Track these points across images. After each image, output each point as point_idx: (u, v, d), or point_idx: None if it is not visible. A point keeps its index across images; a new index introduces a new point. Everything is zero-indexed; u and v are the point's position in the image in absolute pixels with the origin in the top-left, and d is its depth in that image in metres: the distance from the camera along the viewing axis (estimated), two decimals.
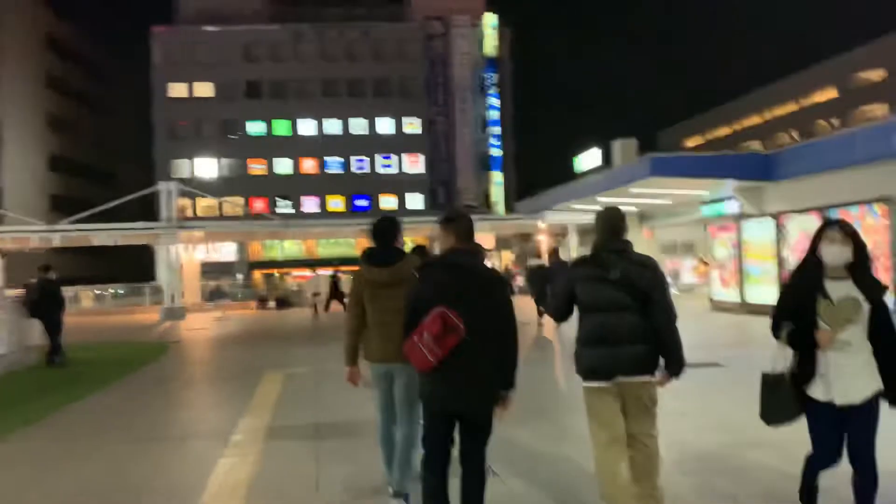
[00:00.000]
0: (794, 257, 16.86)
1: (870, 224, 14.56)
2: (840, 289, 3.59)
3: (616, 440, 3.95)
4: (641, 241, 28.99)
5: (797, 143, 23.26)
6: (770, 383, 3.79)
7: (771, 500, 4.67)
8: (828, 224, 3.73)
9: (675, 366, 4.00)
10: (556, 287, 4.62)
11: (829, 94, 56.41)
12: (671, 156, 25.08)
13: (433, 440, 3.87)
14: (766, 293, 17.85)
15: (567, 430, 6.66)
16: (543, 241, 32.73)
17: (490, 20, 57.41)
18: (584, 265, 4.10)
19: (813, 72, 56.21)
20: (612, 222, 4.11)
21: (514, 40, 60.36)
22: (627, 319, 3.91)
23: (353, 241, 44.31)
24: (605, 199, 23.67)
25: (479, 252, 4.12)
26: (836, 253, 3.60)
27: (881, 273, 14.14)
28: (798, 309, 3.63)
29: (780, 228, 17.36)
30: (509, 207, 50.32)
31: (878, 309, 3.58)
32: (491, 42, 56.96)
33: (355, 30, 57.61)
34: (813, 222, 16.14)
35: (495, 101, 57.49)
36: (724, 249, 19.97)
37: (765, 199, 20.94)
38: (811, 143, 20.19)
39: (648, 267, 4.00)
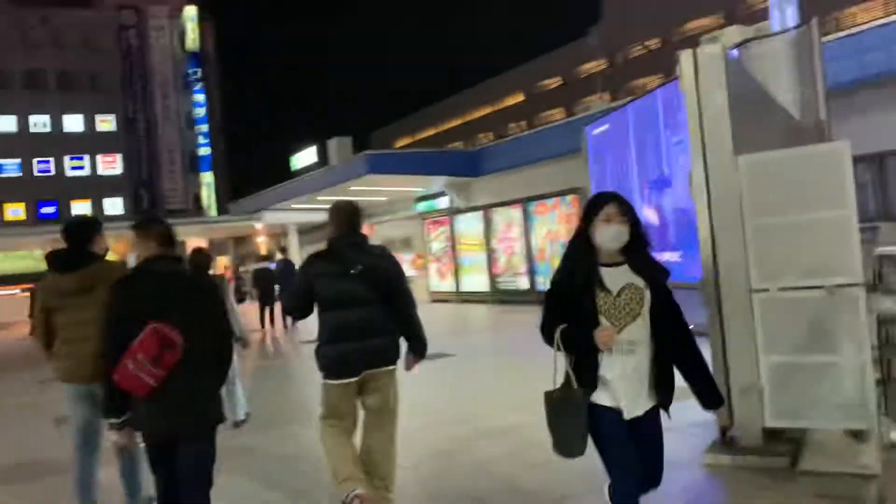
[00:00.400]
0: (501, 246, 18.09)
1: (563, 212, 16.06)
2: (618, 276, 2.98)
3: (350, 432, 3.98)
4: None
5: (497, 141, 25.08)
6: (557, 404, 2.99)
7: (515, 494, 4.54)
8: (601, 199, 3.05)
9: (421, 348, 4.11)
10: (293, 285, 4.17)
11: (518, 98, 62.37)
12: (386, 153, 25.58)
13: (161, 473, 3.26)
14: (478, 282, 18.97)
15: (307, 436, 6.23)
16: (263, 243, 31.60)
17: (190, 12, 54.15)
18: (322, 260, 3.97)
19: (504, 78, 61.76)
20: (347, 216, 4.03)
21: (219, 34, 57.69)
22: (370, 313, 3.88)
23: (41, 253, 38.81)
24: (325, 198, 23.40)
25: (181, 257, 3.68)
26: (613, 234, 2.96)
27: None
28: (570, 305, 2.97)
29: (487, 220, 18.50)
30: (222, 209, 47.97)
31: (661, 295, 2.99)
32: (192, 35, 53.71)
33: (33, 16, 50.66)
34: (516, 214, 17.45)
35: (201, 98, 54.34)
36: (439, 243, 20.81)
37: (473, 193, 22.24)
38: (510, 141, 21.89)
39: (386, 258, 4.01)
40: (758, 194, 4.52)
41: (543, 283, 16.83)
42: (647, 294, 2.96)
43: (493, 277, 18.45)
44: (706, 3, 43.86)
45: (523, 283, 17.46)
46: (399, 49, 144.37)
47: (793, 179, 4.40)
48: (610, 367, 2.96)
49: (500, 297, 18.12)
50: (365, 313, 3.87)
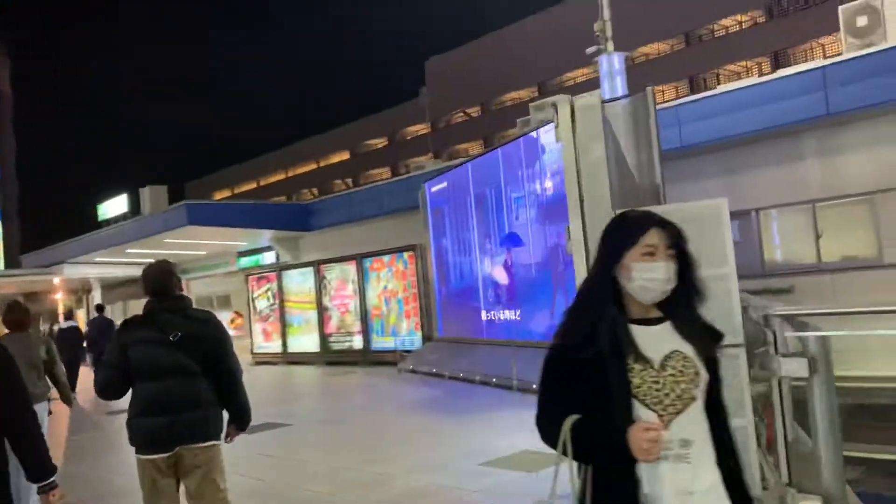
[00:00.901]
0: (333, 304, 17.35)
1: (400, 269, 15.70)
2: (658, 339, 1.97)
3: None
4: None
5: (329, 196, 24.50)
6: None
7: None
8: (639, 221, 2.03)
9: (243, 420, 3.89)
10: (107, 354, 3.77)
11: (343, 156, 62.46)
12: (209, 203, 24.16)
13: None
14: (308, 342, 18.03)
15: None
16: (60, 300, 28.39)
17: None
18: (138, 327, 3.71)
19: (330, 136, 61.66)
20: (160, 278, 3.79)
21: (18, 72, 52.68)
22: (190, 383, 3.64)
23: None
24: (137, 251, 21.49)
25: None
26: (660, 274, 1.96)
27: (413, 316, 15.31)
28: (585, 382, 1.92)
29: (319, 277, 17.72)
30: (12, 262, 42.87)
31: (717, 371, 2.01)
32: None
33: None
34: (350, 270, 16.85)
35: None
36: (264, 300, 19.64)
37: (302, 248, 21.37)
38: (343, 195, 21.39)
39: (210, 323, 3.79)
40: None
41: (377, 342, 16.26)
42: (702, 368, 1.95)
43: (324, 337, 17.59)
44: (520, 77, 46.61)
45: (357, 343, 16.76)
46: (222, 99, 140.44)
47: None
48: (656, 482, 1.87)
49: (331, 357, 17.26)
50: (181, 384, 3.62)
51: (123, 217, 24.61)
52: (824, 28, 33.55)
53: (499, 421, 8.51)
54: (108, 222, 25.36)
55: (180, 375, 3.63)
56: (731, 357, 4.05)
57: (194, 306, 3.91)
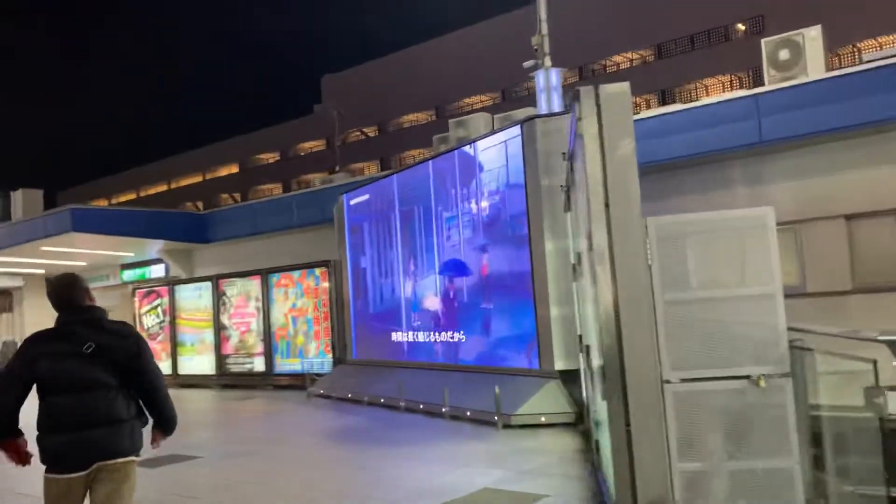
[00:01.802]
0: (233, 322, 16.07)
1: (311, 286, 14.71)
2: None
3: None
4: (46, 308, 24.70)
5: (229, 206, 23.02)
6: None
7: None
8: None
9: (167, 423, 3.76)
10: (7, 365, 3.57)
11: (232, 169, 60.12)
12: (96, 209, 22.15)
13: None
14: (202, 363, 16.62)
15: None
16: None
17: None
18: (49, 340, 3.57)
19: (218, 147, 59.24)
20: (68, 290, 3.65)
21: None
22: (104, 396, 3.51)
23: None
24: (8, 259, 19.36)
25: None
26: None
27: (323, 337, 14.33)
28: None
29: (218, 293, 16.38)
30: None
31: None
32: None
33: None
34: (254, 286, 15.68)
35: None
36: (153, 317, 18.02)
37: (196, 261, 19.88)
38: (244, 206, 20.04)
39: (128, 336, 3.64)
40: (669, 264, 3.79)
41: (282, 364, 15.13)
42: None
43: (221, 358, 16.24)
44: (418, 100, 46.58)
45: (258, 365, 15.54)
46: (100, 103, 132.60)
47: (710, 249, 3.76)
48: None
49: (228, 380, 15.94)
50: (95, 398, 3.50)
51: None
52: (709, 69, 35.57)
53: (439, 452, 7.79)
54: None
55: (95, 389, 3.50)
56: (777, 389, 3.58)
57: (109, 318, 3.74)
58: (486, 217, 10.19)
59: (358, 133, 53.01)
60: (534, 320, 9.15)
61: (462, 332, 10.60)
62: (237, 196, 56.37)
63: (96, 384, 3.50)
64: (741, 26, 34.85)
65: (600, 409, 5.00)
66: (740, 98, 11.24)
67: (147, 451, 3.77)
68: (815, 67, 12.27)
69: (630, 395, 3.77)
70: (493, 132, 10.24)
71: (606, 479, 4.65)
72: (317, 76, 53.83)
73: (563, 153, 5.70)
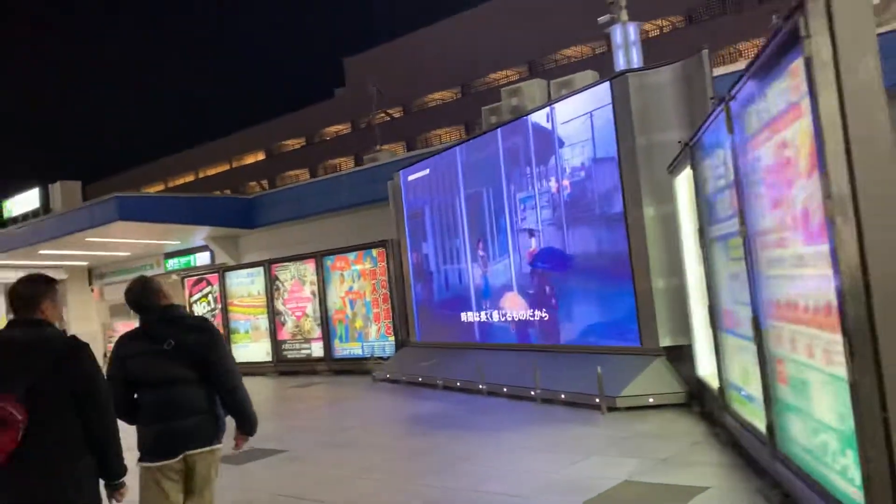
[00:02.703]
0: (287, 308, 15.57)
1: (368, 268, 14.12)
2: None
3: None
4: (90, 302, 24.48)
5: (275, 189, 22.47)
6: None
7: None
8: None
9: (248, 425, 3.93)
10: (108, 370, 3.73)
11: (258, 157, 59.81)
12: (142, 196, 21.73)
13: None
14: (257, 350, 16.15)
15: None
16: None
17: None
18: (133, 339, 3.85)
19: (243, 136, 58.95)
20: (137, 297, 3.88)
21: None
22: (185, 391, 3.74)
23: None
24: (50, 252, 18.99)
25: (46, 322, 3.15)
26: None
27: (384, 319, 13.77)
28: None
29: (271, 278, 15.87)
30: None
31: None
32: None
33: None
34: (309, 270, 15.14)
35: None
36: (204, 305, 17.57)
37: (242, 247, 19.40)
38: (295, 188, 19.41)
39: (204, 330, 3.87)
40: None
41: (341, 349, 14.60)
42: None
43: (277, 344, 15.75)
44: (442, 78, 45.84)
45: (317, 350, 15.03)
46: (124, 98, 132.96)
47: None
48: None
49: (286, 367, 15.46)
50: (177, 392, 3.75)
51: (34, 214, 21.73)
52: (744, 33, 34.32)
53: (547, 439, 7.16)
54: (14, 220, 22.39)
55: (177, 383, 3.74)
56: None
57: (188, 314, 4.07)
58: (571, 185, 9.48)
59: (383, 115, 52.27)
60: (632, 294, 8.46)
61: (546, 310, 9.93)
62: (265, 183, 56.05)
63: (178, 379, 3.74)
64: None
65: (780, 387, 4.33)
66: None
67: (227, 450, 3.89)
68: None
69: (886, 375, 3.09)
70: (575, 91, 9.46)
71: (805, 469, 3.98)
72: (334, 60, 52.98)
73: (712, 97, 4.97)
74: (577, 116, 9.26)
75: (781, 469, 4.41)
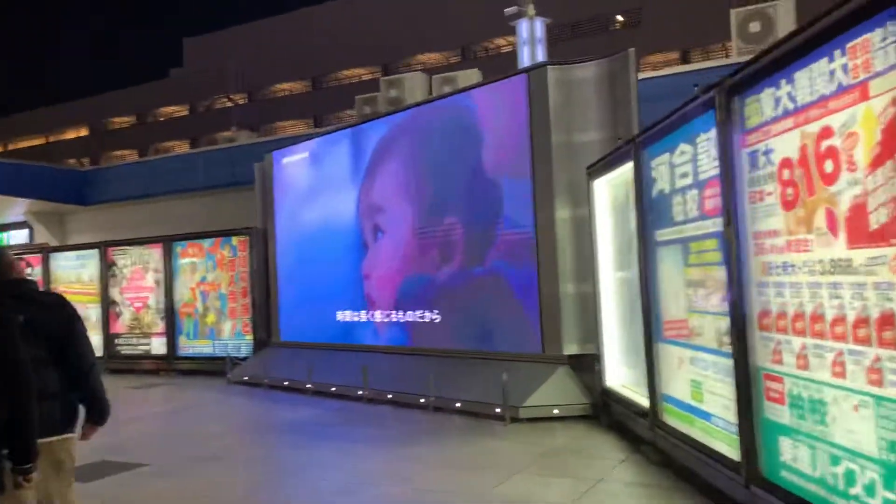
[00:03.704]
0: (125, 297, 13.78)
1: (226, 257, 12.75)
2: None
3: None
4: None
5: (117, 163, 20.08)
6: None
7: None
8: None
9: (99, 414, 3.65)
10: None
11: (81, 132, 55.02)
12: None
13: None
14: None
15: None
16: None
17: None
18: None
19: (63, 108, 53.85)
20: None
21: None
22: (35, 370, 3.22)
23: None
24: None
25: None
26: None
27: (241, 315, 12.47)
28: None
29: (107, 263, 13.98)
30: None
31: None
32: None
33: None
34: (154, 256, 13.48)
35: None
36: None
37: (69, 226, 17.12)
38: (139, 164, 17.42)
39: (58, 307, 3.61)
40: None
41: (187, 347, 13.09)
42: None
43: (109, 338, 13.88)
44: (291, 70, 44.38)
45: (158, 347, 13.37)
46: None
47: None
48: None
49: (119, 364, 13.63)
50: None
51: None
52: None
53: (460, 454, 6.47)
54: None
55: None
56: None
57: (41, 289, 3.91)
58: (475, 180, 8.89)
59: (225, 99, 49.62)
60: (537, 299, 8.00)
61: (440, 311, 9.26)
62: (85, 161, 51.29)
63: (30, 359, 3.32)
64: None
65: (771, 407, 3.93)
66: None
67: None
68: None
69: None
70: (489, 82, 8.88)
71: (809, 499, 3.57)
72: (171, 39, 49.61)
73: (696, 85, 4.55)
74: (487, 107, 8.70)
75: (765, 497, 4.00)
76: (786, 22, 11.94)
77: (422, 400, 8.41)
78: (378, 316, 10.21)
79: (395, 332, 9.92)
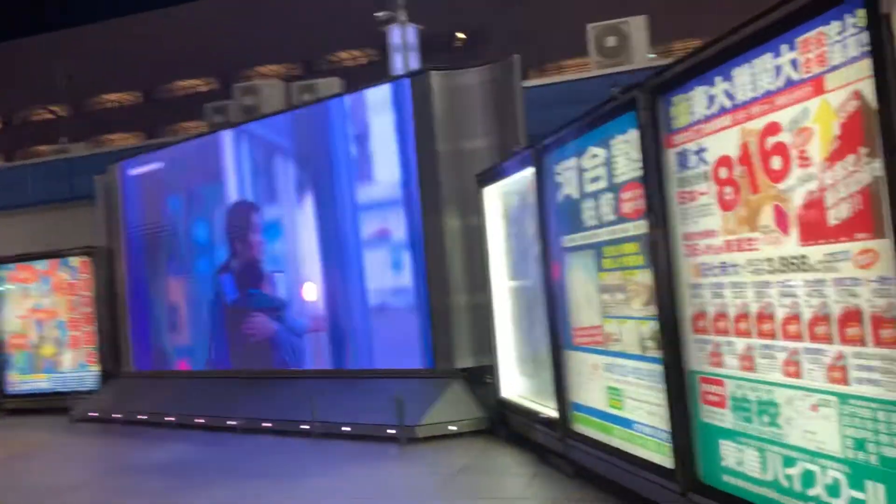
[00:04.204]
0: None
1: (63, 280, 11.41)
2: None
3: None
4: None
5: None
6: None
7: None
8: None
9: None
10: None
11: None
12: None
13: None
14: None
15: None
16: None
17: None
18: None
19: None
20: None
21: None
22: None
23: None
24: None
25: None
26: None
27: (84, 345, 11.20)
28: None
29: None
30: None
31: None
32: None
33: None
34: None
35: None
36: None
37: None
38: None
39: None
40: None
41: (20, 383, 11.57)
42: None
43: None
44: (119, 80, 41.71)
45: None
46: None
47: None
48: None
49: None
50: None
51: None
52: None
53: (368, 483, 6.00)
54: None
55: None
56: None
57: None
58: (354, 189, 8.47)
59: (43, 110, 45.58)
60: (428, 312, 7.70)
61: (321, 330, 8.70)
62: None
63: None
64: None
65: (709, 410, 3.86)
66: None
67: None
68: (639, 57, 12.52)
69: None
70: (369, 86, 8.46)
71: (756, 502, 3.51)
72: None
73: (613, 86, 4.45)
74: (366, 113, 8.32)
75: (703, 502, 3.92)
76: (638, 37, 12.53)
77: (304, 426, 7.84)
78: (249, 337, 9.48)
79: (272, 354, 9.24)
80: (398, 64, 9.88)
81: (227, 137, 9.82)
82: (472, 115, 7.58)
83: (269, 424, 8.23)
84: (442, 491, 5.48)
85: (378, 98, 8.18)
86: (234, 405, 8.45)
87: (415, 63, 9.89)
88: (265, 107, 13.25)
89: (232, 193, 9.62)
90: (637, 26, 12.56)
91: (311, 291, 8.71)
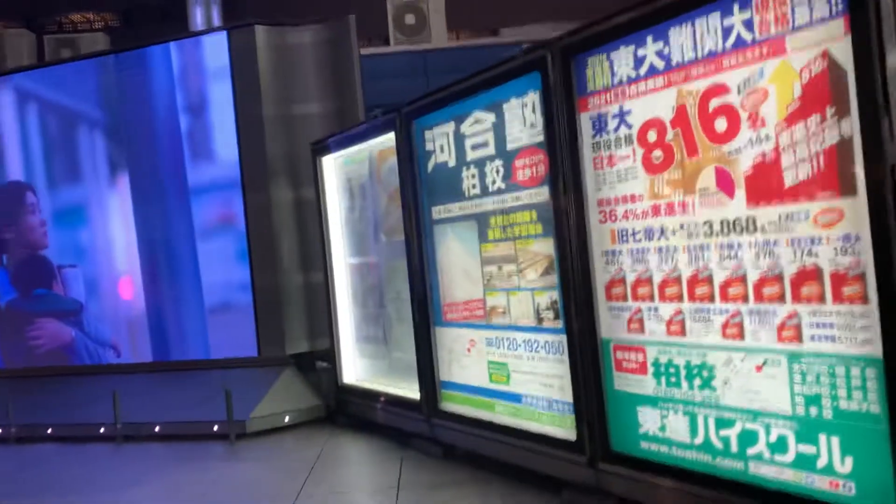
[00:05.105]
0: None
1: None
2: None
3: None
4: None
5: None
6: None
7: None
8: None
9: None
10: None
11: None
12: None
13: None
14: None
15: None
16: None
17: None
18: None
19: None
20: None
21: None
22: None
23: None
24: None
25: None
26: None
27: None
28: None
29: None
30: None
31: None
32: None
33: None
34: None
35: None
36: None
37: None
38: None
39: None
40: None
41: None
42: None
43: None
44: None
45: None
46: None
47: None
48: None
49: None
50: None
51: None
52: None
53: (215, 488, 5.20)
54: None
55: None
56: None
57: None
58: (165, 159, 7.39)
59: None
60: (251, 293, 6.96)
61: (121, 318, 7.48)
62: None
63: None
64: None
65: (624, 377, 3.81)
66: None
67: None
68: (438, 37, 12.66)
69: None
70: (189, 36, 7.36)
71: (682, 466, 3.51)
72: None
73: (521, 42, 4.24)
74: (170, 71, 7.27)
75: (625, 473, 3.84)
76: (437, 17, 12.59)
77: (101, 430, 6.71)
78: (33, 328, 7.93)
79: (52, 348, 7.80)
80: (199, 17, 8.80)
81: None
82: (305, 77, 6.95)
83: (52, 430, 6.93)
84: (308, 488, 4.91)
85: (182, 54, 7.19)
86: (9, 412, 6.99)
87: (218, 18, 8.87)
88: (11, 60, 11.42)
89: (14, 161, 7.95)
90: (435, 7, 12.62)
91: (128, 288, 7.47)
